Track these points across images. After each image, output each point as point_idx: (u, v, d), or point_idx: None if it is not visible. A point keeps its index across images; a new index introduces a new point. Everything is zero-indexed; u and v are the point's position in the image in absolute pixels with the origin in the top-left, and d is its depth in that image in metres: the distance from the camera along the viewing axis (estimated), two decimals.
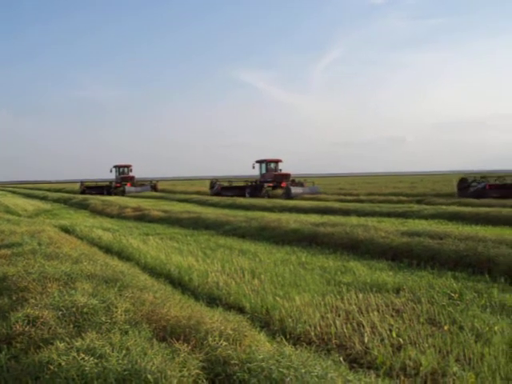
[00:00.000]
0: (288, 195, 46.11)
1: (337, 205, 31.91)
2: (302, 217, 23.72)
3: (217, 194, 52.33)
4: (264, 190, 51.02)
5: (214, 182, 56.42)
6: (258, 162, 55.55)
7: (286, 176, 52.55)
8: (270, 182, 52.61)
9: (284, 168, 54.98)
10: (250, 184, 54.52)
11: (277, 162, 55.48)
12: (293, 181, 52.14)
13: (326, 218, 22.30)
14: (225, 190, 54.18)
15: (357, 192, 47.79)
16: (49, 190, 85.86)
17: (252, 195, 50.08)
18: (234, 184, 56.79)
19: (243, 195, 50.48)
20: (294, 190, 47.35)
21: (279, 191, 49.95)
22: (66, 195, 59.69)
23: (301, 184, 51.17)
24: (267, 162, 55.23)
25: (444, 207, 25.94)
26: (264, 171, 54.87)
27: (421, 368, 5.62)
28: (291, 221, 19.22)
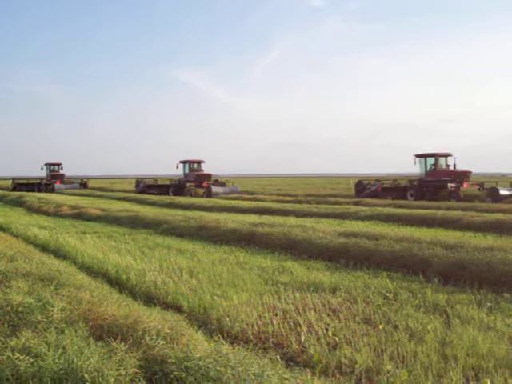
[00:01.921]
0: (209, 194, 48.79)
1: (275, 205, 31.96)
2: (241, 217, 23.74)
3: (141, 191, 54.59)
4: (186, 188, 53.32)
5: (139, 181, 59.67)
6: (181, 162, 57.65)
7: (208, 176, 55.23)
8: (193, 181, 54.97)
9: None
10: (173, 183, 57.19)
11: (199, 162, 57.73)
12: (216, 181, 55.31)
13: (264, 219, 22.38)
14: (149, 188, 56.40)
15: (295, 193, 48.18)
16: None
17: (175, 194, 52.06)
18: (159, 183, 59.35)
19: (167, 193, 52.95)
20: (215, 189, 50.23)
21: (201, 190, 52.44)
22: (1, 192, 58.34)
23: (223, 184, 54.57)
24: (190, 162, 57.48)
25: (380, 209, 26.25)
26: (187, 171, 57.08)
27: (356, 366, 5.73)
28: (229, 221, 19.26)
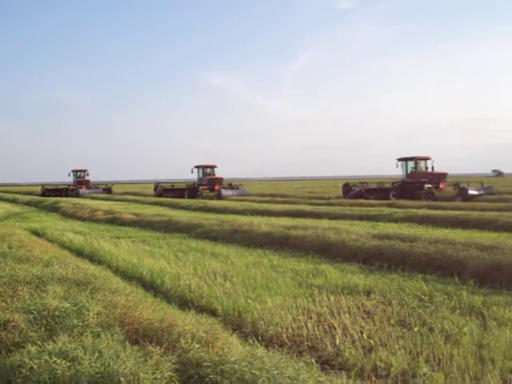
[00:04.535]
0: (219, 197, 52.27)
1: (308, 208, 31.90)
2: (274, 220, 23.69)
3: (159, 195, 58.53)
4: (199, 192, 57.32)
5: (157, 185, 63.53)
6: (196, 167, 61.20)
7: (219, 180, 58.85)
8: (205, 185, 58.70)
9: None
10: (189, 187, 60.86)
11: (212, 167, 61.50)
12: (229, 184, 59.43)
13: (297, 222, 22.24)
14: (166, 191, 60.79)
15: (328, 195, 48.04)
16: (19, 193, 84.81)
17: (190, 196, 56.45)
18: (176, 187, 63.24)
19: (183, 196, 57.12)
20: (225, 192, 54.34)
21: (212, 193, 55.91)
22: (37, 198, 59.21)
23: (236, 187, 58.51)
24: (204, 167, 61.23)
25: (414, 210, 26.03)
26: (201, 175, 60.87)
27: (391, 369, 5.68)
28: (263, 224, 19.21)
